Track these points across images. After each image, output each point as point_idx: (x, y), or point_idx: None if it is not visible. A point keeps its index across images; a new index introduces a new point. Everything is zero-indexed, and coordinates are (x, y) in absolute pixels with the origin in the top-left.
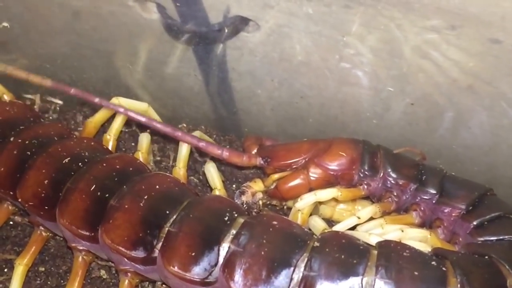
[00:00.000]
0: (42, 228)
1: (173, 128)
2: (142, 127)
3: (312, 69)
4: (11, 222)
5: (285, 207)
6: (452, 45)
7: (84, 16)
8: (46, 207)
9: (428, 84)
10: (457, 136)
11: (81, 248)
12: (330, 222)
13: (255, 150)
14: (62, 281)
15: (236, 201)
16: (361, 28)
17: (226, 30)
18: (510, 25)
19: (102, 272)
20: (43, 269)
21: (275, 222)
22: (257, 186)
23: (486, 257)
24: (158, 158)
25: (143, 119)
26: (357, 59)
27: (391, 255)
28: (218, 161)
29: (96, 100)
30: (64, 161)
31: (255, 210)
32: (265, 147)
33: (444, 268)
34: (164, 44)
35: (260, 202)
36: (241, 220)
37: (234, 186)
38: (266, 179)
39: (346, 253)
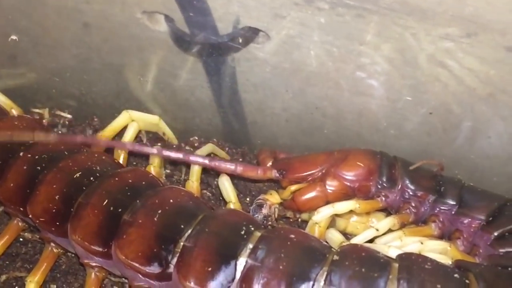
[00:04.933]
0: (53, 245)
1: (185, 153)
2: (153, 141)
3: (325, 79)
4: (21, 239)
5: (299, 219)
6: (468, 53)
7: (93, 29)
8: (58, 223)
9: (445, 93)
10: (475, 146)
11: (93, 264)
12: (344, 235)
13: (270, 163)
14: None
15: (255, 214)
16: (375, 38)
17: (236, 41)
18: None
19: None
20: (54, 286)
21: (292, 236)
22: (273, 198)
23: (510, 268)
24: (170, 172)
25: (154, 151)
26: (372, 69)
27: (412, 267)
28: (232, 174)
29: (128, 146)
30: (75, 176)
31: (270, 222)
32: (280, 160)
33: (467, 281)
34: (174, 56)
35: (276, 213)
36: (258, 234)
37: (248, 199)
38: (283, 192)
39: (367, 266)
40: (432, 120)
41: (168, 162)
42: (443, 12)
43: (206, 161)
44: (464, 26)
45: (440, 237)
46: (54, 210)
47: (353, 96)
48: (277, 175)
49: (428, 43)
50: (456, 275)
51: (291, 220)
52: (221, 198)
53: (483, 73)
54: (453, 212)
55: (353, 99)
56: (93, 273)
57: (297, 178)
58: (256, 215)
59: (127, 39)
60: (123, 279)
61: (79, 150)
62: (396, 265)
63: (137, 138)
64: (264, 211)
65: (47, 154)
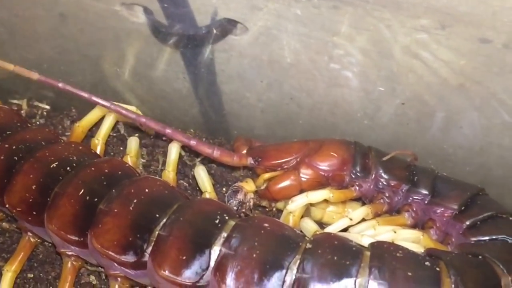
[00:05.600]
0: (31, 234)
1: (163, 125)
2: (131, 131)
3: (301, 70)
4: None
5: (274, 208)
6: (442, 45)
7: (70, 20)
8: (34, 213)
9: (419, 84)
10: (448, 136)
11: (70, 253)
12: (320, 224)
13: (245, 150)
14: (51, 287)
15: (230, 201)
16: (350, 29)
17: (214, 33)
18: (499, 25)
19: (92, 277)
20: (31, 275)
21: (266, 225)
22: (248, 186)
23: (480, 257)
24: (147, 162)
25: (133, 116)
26: (346, 60)
27: (384, 256)
28: (208, 164)
29: (85, 94)
30: (52, 166)
31: (245, 210)
32: (255, 147)
33: (437, 269)
34: (152, 47)
35: (251, 202)
36: (232, 223)
37: (224, 189)
38: (257, 179)
39: (339, 255)
40: (406, 111)
41: (146, 153)
42: (417, 4)
43: (185, 139)
44: (438, 18)
45: (413, 226)
46: (31, 200)
47: (328, 87)
48: (252, 162)
49: (402, 34)
50: (427, 263)
51: (266, 209)
52: (197, 188)
53: (456, 64)
54: (426, 202)
55: (327, 90)
56: (69, 262)
57: (272, 165)
58: (231, 201)
59: (104, 30)
60: (100, 268)
61: (56, 141)
62: (368, 253)
63: (115, 129)
64: (239, 196)
65: (24, 144)
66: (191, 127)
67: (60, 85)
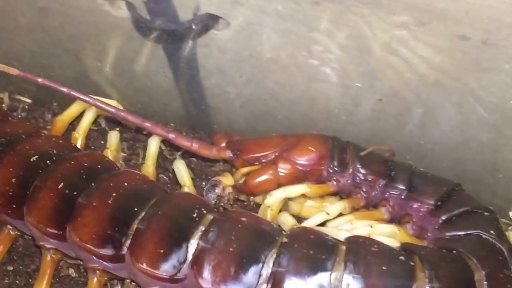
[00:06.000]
0: (10, 227)
1: (142, 119)
2: (112, 125)
3: (281, 66)
4: None
5: (252, 203)
6: (421, 41)
7: (51, 14)
8: (14, 206)
9: (397, 81)
10: (425, 132)
11: (49, 246)
12: (298, 219)
13: (224, 144)
14: (30, 280)
15: (208, 194)
16: (330, 25)
17: (196, 28)
18: (478, 22)
19: (71, 270)
20: (11, 268)
21: (243, 219)
22: (227, 180)
23: (454, 251)
24: (128, 156)
25: (112, 110)
26: (325, 56)
27: (359, 250)
28: (188, 158)
29: (64, 90)
30: (31, 159)
31: (224, 204)
32: (234, 141)
33: (412, 263)
34: (133, 42)
35: (230, 196)
36: (210, 217)
37: (204, 183)
38: (235, 174)
39: (315, 249)
40: (384, 107)
41: (126, 147)
42: (397, 1)
43: (164, 132)
44: (417, 14)
45: (390, 221)
46: (10, 193)
47: (307, 83)
48: (231, 155)
49: (382, 31)
50: (401, 257)
51: (245, 203)
52: (177, 182)
53: (435, 61)
54: (403, 197)
55: (307, 86)
56: (48, 255)
57: (250, 159)
58: (209, 195)
59: (86, 24)
60: (79, 261)
61: (37, 134)
62: (344, 247)
63: (96, 123)
64: (218, 190)
65: (4, 137)
66: (172, 121)
67: (39, 80)
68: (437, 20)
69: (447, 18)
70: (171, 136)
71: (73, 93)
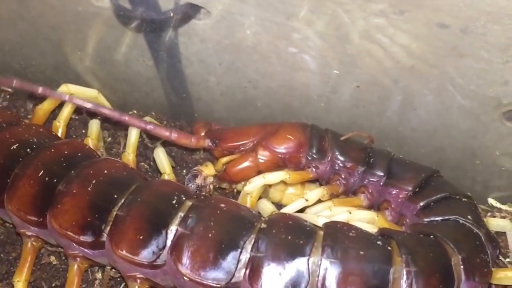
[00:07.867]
0: None
1: (120, 112)
2: (93, 114)
3: (261, 54)
4: None
5: (235, 190)
6: (400, 29)
7: (31, 3)
8: None
9: (376, 68)
10: (404, 119)
11: (30, 234)
12: (279, 206)
13: (204, 133)
14: (11, 267)
15: (189, 184)
16: (309, 13)
17: (177, 17)
18: (457, 10)
19: (52, 258)
20: None
21: (222, 205)
22: (208, 170)
23: (431, 236)
24: (109, 144)
25: (89, 105)
26: (304, 44)
27: (337, 235)
28: (169, 146)
29: (40, 90)
30: (12, 148)
31: (204, 193)
32: (214, 130)
33: (389, 248)
34: (114, 30)
35: (211, 186)
36: (189, 203)
37: (184, 171)
38: (216, 163)
39: (293, 234)
40: (363, 94)
41: (108, 136)
42: None
43: (142, 124)
44: (396, 3)
45: (369, 207)
46: None
47: (286, 71)
48: (210, 144)
49: (361, 19)
50: (379, 242)
51: (227, 191)
52: (158, 170)
53: (413, 49)
54: (381, 183)
55: (286, 74)
56: (29, 243)
57: (230, 147)
58: (190, 185)
59: (66, 13)
60: (60, 248)
61: (18, 123)
62: (322, 232)
63: (77, 112)
64: (198, 181)
65: None
66: (153, 110)
67: (14, 83)
68: (416, 8)
69: (426, 6)
70: (149, 127)
71: (48, 92)
